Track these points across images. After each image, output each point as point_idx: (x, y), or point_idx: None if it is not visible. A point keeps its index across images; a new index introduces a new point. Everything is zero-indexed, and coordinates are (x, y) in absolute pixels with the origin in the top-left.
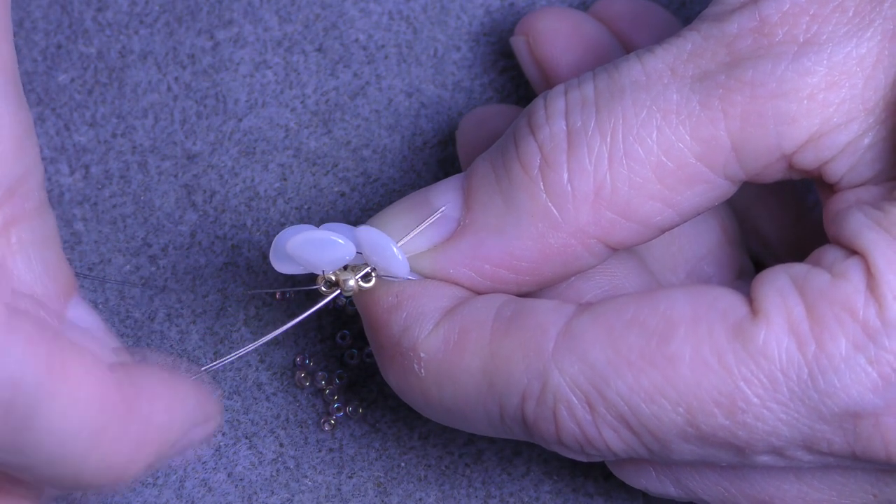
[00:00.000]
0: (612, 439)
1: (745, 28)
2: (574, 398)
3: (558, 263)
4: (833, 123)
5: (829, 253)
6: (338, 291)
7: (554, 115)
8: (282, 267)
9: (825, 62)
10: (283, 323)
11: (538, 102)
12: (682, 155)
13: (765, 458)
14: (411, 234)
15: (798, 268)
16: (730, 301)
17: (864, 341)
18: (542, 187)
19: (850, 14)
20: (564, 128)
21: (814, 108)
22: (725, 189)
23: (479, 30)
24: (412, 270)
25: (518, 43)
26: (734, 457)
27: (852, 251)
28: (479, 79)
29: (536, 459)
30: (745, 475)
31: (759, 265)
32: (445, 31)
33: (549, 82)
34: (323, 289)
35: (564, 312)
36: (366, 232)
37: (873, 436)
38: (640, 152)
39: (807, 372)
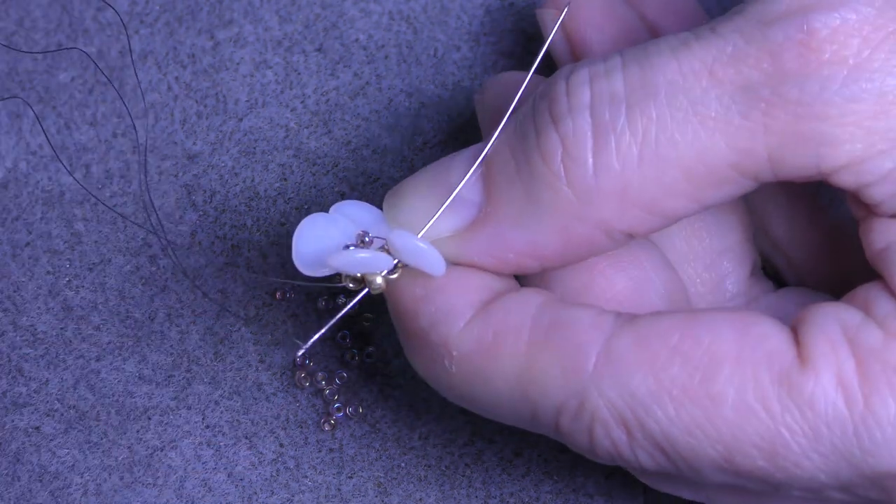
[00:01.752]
0: (647, 460)
1: (791, 38)
2: (612, 420)
3: (582, 250)
4: (877, 150)
5: (882, 303)
6: (366, 290)
7: (578, 107)
8: (310, 272)
9: (876, 91)
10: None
11: (559, 87)
12: (715, 161)
13: (798, 494)
14: (431, 222)
15: (850, 316)
16: (776, 342)
17: None
18: (565, 181)
19: None
20: (589, 121)
21: (858, 133)
22: (752, 187)
23: (479, 30)
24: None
25: (545, 16)
26: (767, 489)
27: None
28: (479, 79)
29: (536, 459)
30: (769, 496)
31: (766, 263)
32: (445, 31)
33: (577, 59)
34: (350, 286)
35: (605, 327)
36: (401, 239)
37: None
38: (673, 155)
39: (852, 429)
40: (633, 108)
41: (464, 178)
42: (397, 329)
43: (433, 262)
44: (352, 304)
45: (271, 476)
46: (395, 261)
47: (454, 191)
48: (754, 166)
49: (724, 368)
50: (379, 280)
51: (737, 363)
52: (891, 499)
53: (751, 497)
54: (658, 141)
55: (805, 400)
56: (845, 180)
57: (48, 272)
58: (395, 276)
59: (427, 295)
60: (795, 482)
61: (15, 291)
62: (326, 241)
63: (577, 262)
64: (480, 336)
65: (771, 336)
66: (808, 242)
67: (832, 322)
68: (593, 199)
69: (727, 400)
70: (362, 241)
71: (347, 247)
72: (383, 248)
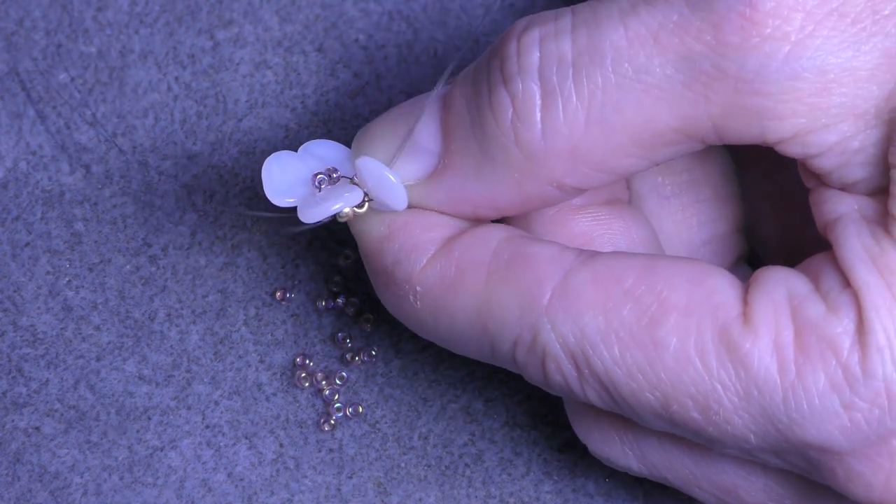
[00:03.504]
0: (595, 398)
1: (734, 9)
2: (563, 355)
3: (538, 202)
4: (821, 123)
5: (829, 277)
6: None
7: (527, 69)
8: (280, 202)
9: (816, 69)
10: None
11: (511, 46)
12: (660, 126)
13: (732, 452)
14: (394, 163)
15: (799, 285)
16: (725, 297)
17: (842, 385)
18: (514, 142)
19: (849, 21)
20: (538, 84)
21: (800, 109)
22: (701, 147)
23: (479, 30)
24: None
25: None
26: (704, 442)
27: (847, 281)
28: None
29: (536, 459)
30: (713, 460)
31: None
32: (445, 31)
33: None
34: None
35: (563, 264)
36: (367, 165)
37: (836, 469)
38: (619, 120)
39: (781, 396)
40: (579, 72)
41: (422, 127)
42: (365, 266)
43: (395, 193)
44: (322, 220)
45: (271, 476)
46: (363, 196)
47: (413, 139)
48: (699, 132)
49: (671, 317)
50: (347, 209)
51: (684, 313)
52: (816, 470)
53: (689, 459)
54: (604, 106)
55: (740, 358)
56: (791, 150)
57: (48, 272)
58: (363, 210)
59: (391, 233)
60: (727, 439)
61: (15, 291)
62: (295, 174)
63: (535, 210)
64: (443, 271)
65: (721, 290)
66: (793, 248)
67: (780, 288)
68: (543, 159)
69: (669, 348)
70: (330, 177)
71: (316, 175)
72: (352, 181)
